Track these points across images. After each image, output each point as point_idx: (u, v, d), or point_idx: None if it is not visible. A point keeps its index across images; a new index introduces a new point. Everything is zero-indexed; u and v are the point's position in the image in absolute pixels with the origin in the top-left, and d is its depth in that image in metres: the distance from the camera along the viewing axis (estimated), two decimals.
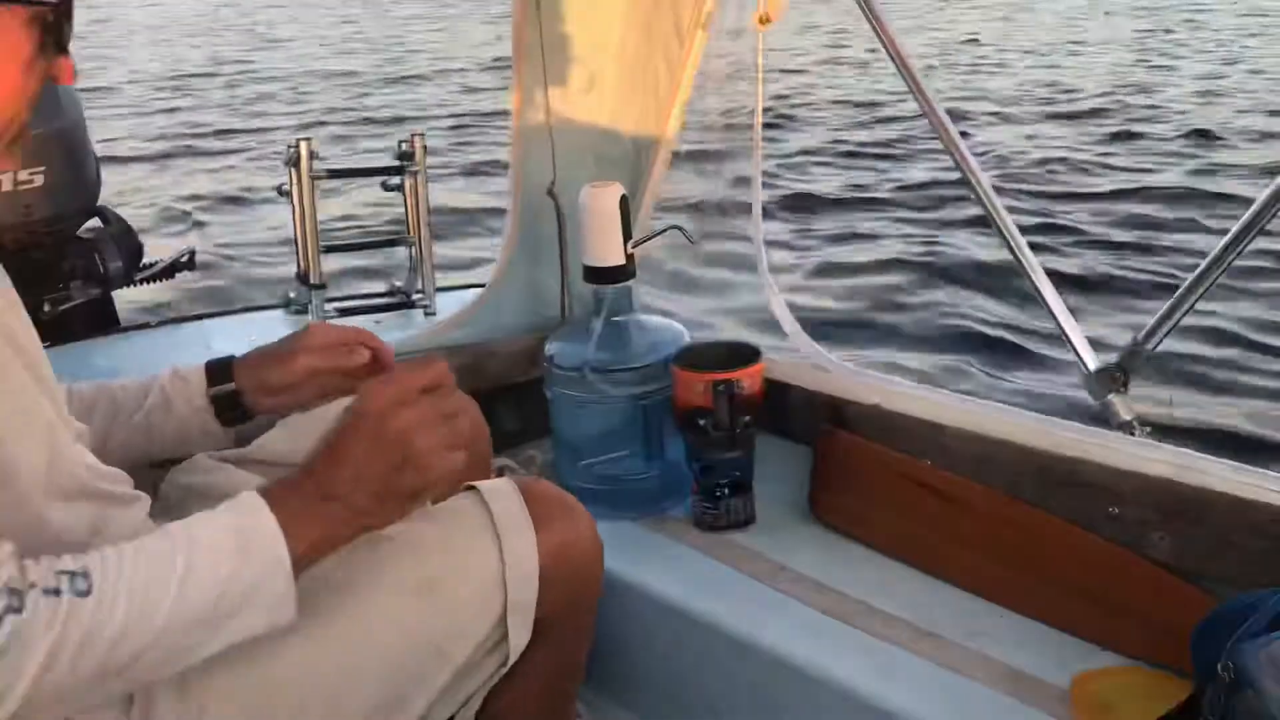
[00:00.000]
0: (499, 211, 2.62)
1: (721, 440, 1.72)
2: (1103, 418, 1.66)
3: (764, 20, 1.80)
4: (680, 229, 1.80)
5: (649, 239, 1.82)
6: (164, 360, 1.39)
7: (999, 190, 1.81)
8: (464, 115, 10.90)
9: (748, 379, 1.71)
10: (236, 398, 1.29)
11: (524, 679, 1.18)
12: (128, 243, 2.48)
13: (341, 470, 0.95)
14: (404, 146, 2.28)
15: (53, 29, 0.94)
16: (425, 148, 2.29)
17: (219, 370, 1.30)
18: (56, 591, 0.82)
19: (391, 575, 1.08)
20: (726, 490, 1.76)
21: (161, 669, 0.88)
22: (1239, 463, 1.44)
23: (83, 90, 2.52)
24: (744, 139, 2.04)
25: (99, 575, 0.84)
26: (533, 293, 2.22)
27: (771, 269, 2.03)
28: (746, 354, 1.75)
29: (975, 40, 14.88)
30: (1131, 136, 9.03)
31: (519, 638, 1.11)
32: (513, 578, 1.09)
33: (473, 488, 1.17)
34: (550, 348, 1.89)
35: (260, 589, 0.90)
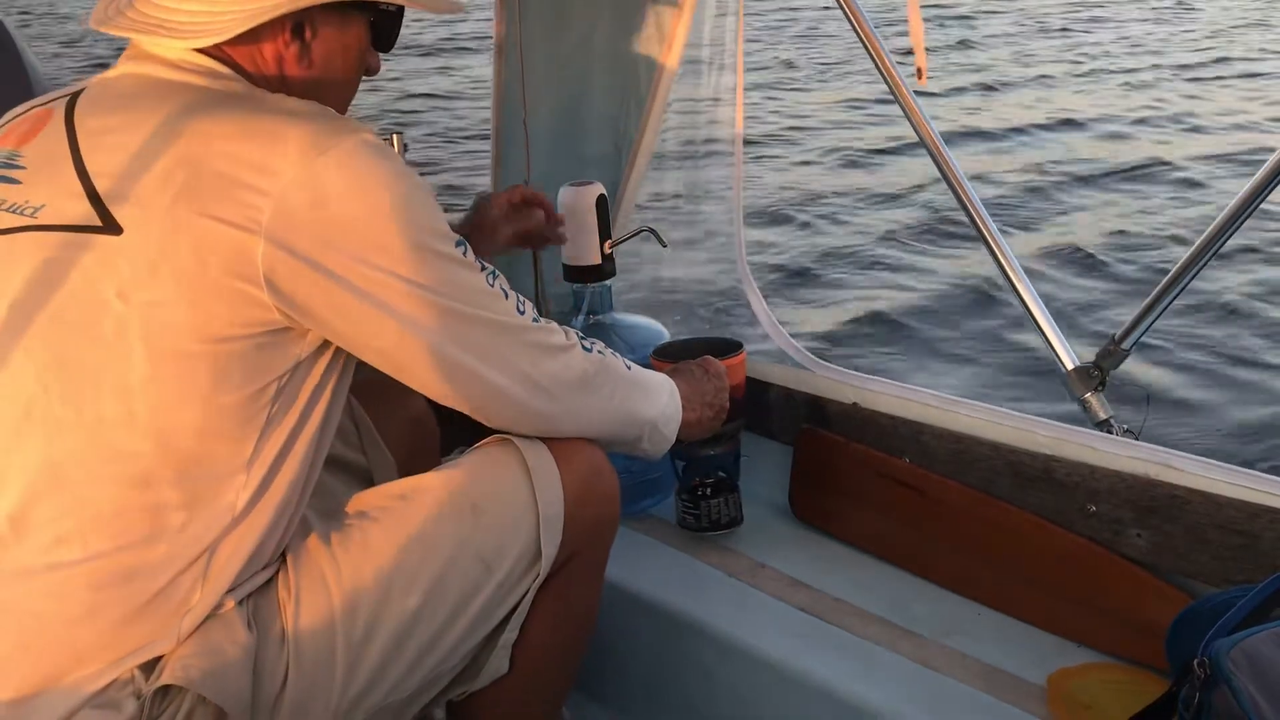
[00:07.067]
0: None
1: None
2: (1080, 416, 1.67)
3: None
4: (652, 231, 1.79)
5: (624, 240, 1.82)
6: None
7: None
8: None
9: (728, 371, 1.65)
10: None
11: (543, 620, 1.30)
12: None
13: (700, 388, 1.53)
14: None
15: (382, 30, 1.27)
16: (406, 146, 2.28)
17: None
18: (596, 350, 1.31)
19: (445, 500, 1.27)
20: (709, 490, 1.73)
21: (625, 424, 1.35)
22: (1214, 460, 1.45)
23: None
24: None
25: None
26: None
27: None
28: (727, 346, 1.70)
29: None
30: None
31: (550, 546, 1.26)
32: (541, 495, 1.26)
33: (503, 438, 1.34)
34: None
35: (669, 410, 1.43)
